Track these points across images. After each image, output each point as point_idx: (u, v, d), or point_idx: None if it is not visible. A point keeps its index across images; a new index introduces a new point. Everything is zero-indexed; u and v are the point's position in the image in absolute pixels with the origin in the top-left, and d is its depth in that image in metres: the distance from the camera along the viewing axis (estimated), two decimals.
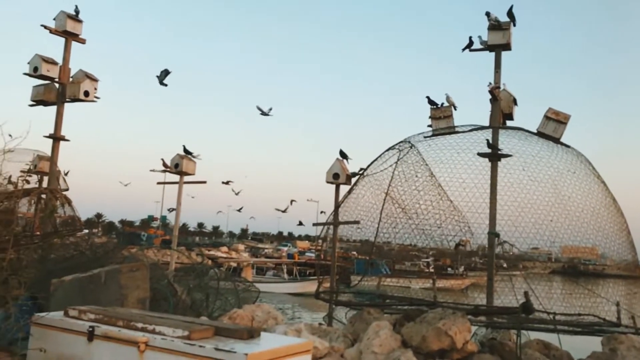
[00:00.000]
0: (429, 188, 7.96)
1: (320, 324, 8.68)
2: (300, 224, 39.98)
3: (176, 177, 14.26)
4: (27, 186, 7.51)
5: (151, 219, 75.43)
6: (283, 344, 3.92)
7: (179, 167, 14.00)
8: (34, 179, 11.47)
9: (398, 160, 8.41)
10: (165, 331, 3.81)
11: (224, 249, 53.51)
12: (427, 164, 8.22)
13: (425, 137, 8.99)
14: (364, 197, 8.80)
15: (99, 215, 70.43)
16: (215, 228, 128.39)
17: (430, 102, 9.29)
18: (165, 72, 12.92)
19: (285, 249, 62.66)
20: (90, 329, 4.04)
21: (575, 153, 8.31)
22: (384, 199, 8.19)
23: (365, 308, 7.81)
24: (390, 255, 10.85)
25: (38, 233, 9.06)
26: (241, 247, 60.55)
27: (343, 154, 11.16)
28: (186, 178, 14.16)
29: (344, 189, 9.83)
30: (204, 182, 15.51)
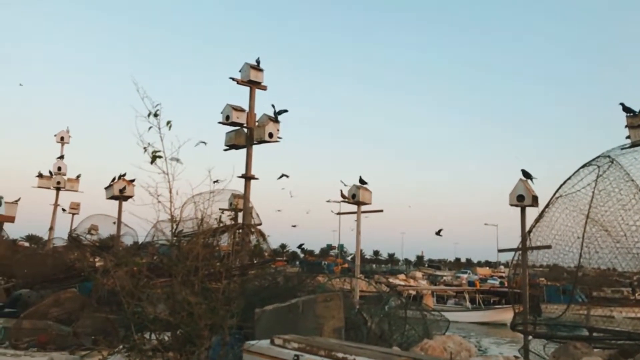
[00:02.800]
0: (638, 206, 7.02)
1: (516, 357, 8.10)
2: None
3: (353, 207, 14.76)
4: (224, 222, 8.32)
5: (329, 247, 78.28)
6: None
7: (356, 197, 14.45)
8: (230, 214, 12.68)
9: (597, 177, 7.60)
10: None
11: (402, 276, 53.26)
12: (632, 180, 7.29)
13: (622, 149, 8.04)
14: (558, 219, 8.08)
15: (283, 246, 75.09)
16: (391, 255, 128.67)
17: (626, 109, 8.34)
18: (282, 111, 13.76)
19: (465, 276, 60.24)
20: (296, 358, 4.25)
21: None
22: (585, 221, 7.43)
23: (570, 341, 7.08)
24: (586, 281, 9.79)
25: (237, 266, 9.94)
26: (419, 274, 59.72)
27: (527, 174, 10.46)
28: (364, 207, 14.56)
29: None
30: (381, 211, 15.75)
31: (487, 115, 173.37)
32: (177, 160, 5.93)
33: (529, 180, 10.36)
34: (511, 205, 10.09)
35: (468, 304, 35.30)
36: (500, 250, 25.87)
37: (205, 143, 7.16)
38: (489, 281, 51.24)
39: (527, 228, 9.18)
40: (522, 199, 9.99)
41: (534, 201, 10.01)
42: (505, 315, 28.31)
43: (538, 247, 8.68)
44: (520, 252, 9.13)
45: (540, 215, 8.59)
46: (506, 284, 36.10)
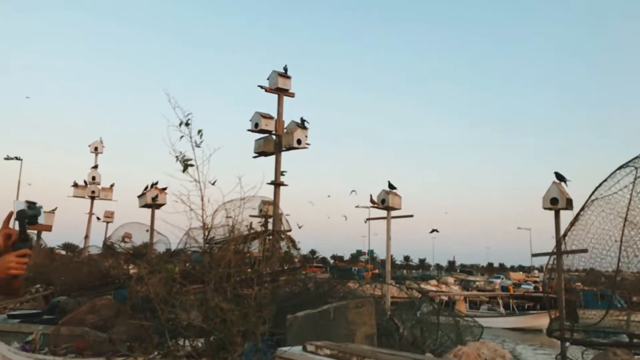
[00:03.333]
0: None
1: None
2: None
3: (383, 212, 14.67)
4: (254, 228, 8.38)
5: (359, 253, 78.03)
6: None
7: (386, 202, 14.36)
8: (260, 221, 12.76)
9: (635, 179, 7.39)
10: None
11: (433, 282, 52.69)
12: None
13: None
14: (594, 223, 7.88)
15: (312, 252, 75.22)
16: (422, 261, 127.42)
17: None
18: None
19: (498, 281, 59.21)
20: None
21: None
22: (624, 224, 7.23)
23: (610, 348, 6.88)
24: (625, 286, 9.53)
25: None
26: (450, 279, 58.98)
27: (560, 176, 10.25)
28: (393, 213, 14.46)
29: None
30: (411, 216, 15.63)
31: (518, 117, 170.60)
32: (188, 161, 6.00)
33: (562, 183, 10.14)
34: (544, 208, 9.88)
35: (502, 309, 34.69)
36: (534, 255, 25.37)
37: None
38: (522, 286, 50.27)
39: (562, 232, 8.98)
40: (556, 202, 9.77)
41: (569, 204, 9.78)
42: (541, 321, 27.69)
43: (574, 251, 8.47)
44: (555, 256, 8.94)
45: (576, 219, 8.39)
46: (541, 289, 35.35)
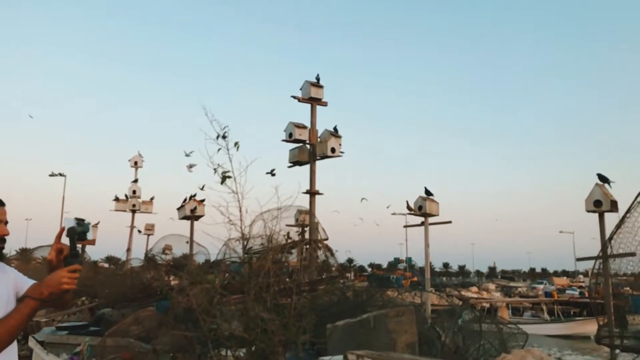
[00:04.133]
0: None
1: None
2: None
3: (420, 219, 14.51)
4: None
5: (397, 261, 77.35)
6: None
7: (423, 209, 14.21)
8: (298, 230, 12.81)
9: None
10: None
11: (474, 288, 51.68)
12: None
13: None
14: None
15: (350, 260, 74.92)
16: (461, 267, 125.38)
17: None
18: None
19: (541, 286, 57.68)
20: None
21: None
22: None
23: None
24: None
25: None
26: (492, 286, 57.74)
27: (603, 178, 9.97)
28: (431, 219, 14.29)
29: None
30: (449, 222, 15.40)
31: (559, 118, 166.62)
32: (226, 173, 6.08)
33: (606, 185, 9.86)
34: (588, 211, 9.62)
35: (546, 315, 33.77)
36: (578, 259, 24.64)
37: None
38: (567, 291, 48.83)
39: (607, 235, 8.72)
40: (600, 205, 9.50)
41: (613, 206, 9.50)
42: (588, 327, 26.82)
43: (621, 255, 8.21)
44: (600, 260, 8.67)
45: (622, 221, 8.13)
46: (587, 295, 34.29)
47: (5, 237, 2.24)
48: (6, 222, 2.25)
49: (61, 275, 2.15)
